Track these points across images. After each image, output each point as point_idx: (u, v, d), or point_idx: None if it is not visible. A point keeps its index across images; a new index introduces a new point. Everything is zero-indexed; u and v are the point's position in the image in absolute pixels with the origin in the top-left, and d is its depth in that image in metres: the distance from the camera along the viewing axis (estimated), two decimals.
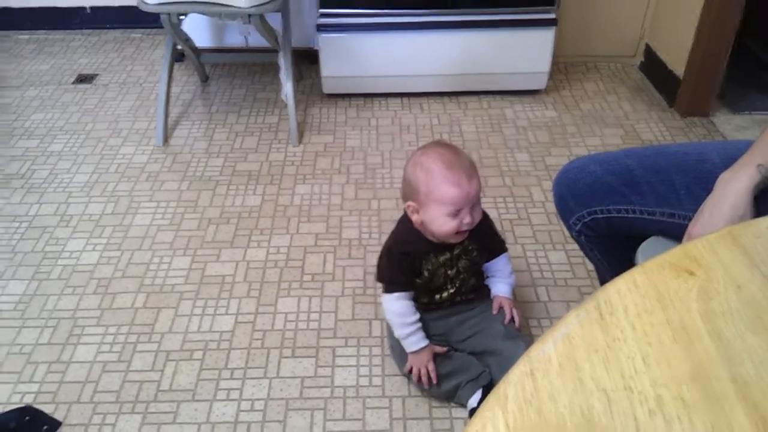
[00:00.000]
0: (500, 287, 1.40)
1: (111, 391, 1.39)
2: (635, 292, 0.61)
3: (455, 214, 1.20)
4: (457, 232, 1.22)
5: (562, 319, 0.58)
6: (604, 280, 1.36)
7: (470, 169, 1.21)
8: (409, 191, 1.25)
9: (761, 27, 2.44)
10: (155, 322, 1.54)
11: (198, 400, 1.37)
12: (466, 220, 1.21)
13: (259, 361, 1.45)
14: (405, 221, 1.30)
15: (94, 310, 1.58)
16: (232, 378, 1.41)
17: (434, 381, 1.32)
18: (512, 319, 1.36)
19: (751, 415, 0.50)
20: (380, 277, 1.35)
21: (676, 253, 0.65)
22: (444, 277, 1.32)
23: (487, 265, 1.40)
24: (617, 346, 0.55)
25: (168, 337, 1.51)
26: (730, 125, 2.26)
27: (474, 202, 1.22)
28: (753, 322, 0.58)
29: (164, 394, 1.38)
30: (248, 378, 1.41)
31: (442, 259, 1.30)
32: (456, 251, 1.30)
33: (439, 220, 1.21)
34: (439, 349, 1.34)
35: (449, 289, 1.34)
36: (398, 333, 1.32)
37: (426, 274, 1.30)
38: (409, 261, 1.29)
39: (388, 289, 1.31)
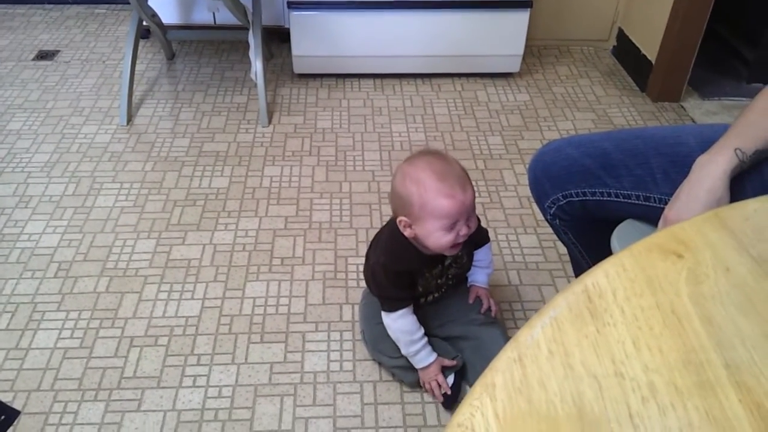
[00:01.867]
0: (478, 276, 1.38)
1: (72, 378, 1.34)
2: (623, 275, 0.58)
3: (451, 227, 1.12)
4: (453, 245, 1.15)
5: (549, 302, 0.55)
6: (577, 263, 1.35)
7: (463, 178, 1.13)
8: (400, 205, 1.16)
9: (731, 13, 2.45)
10: (118, 307, 1.49)
11: (163, 387, 1.32)
12: (463, 231, 1.14)
13: (226, 347, 1.41)
14: (396, 236, 1.21)
15: (55, 294, 1.52)
16: (198, 364, 1.37)
17: (448, 392, 1.28)
18: (489, 308, 1.35)
19: (745, 401, 0.48)
20: (380, 295, 1.27)
21: (664, 235, 0.63)
22: (434, 285, 1.30)
23: None
24: (607, 330, 0.53)
25: (132, 322, 1.46)
26: (699, 110, 2.28)
27: (470, 212, 1.14)
28: (743, 306, 0.56)
29: (128, 381, 1.34)
30: (215, 364, 1.37)
31: (434, 272, 1.26)
32: (447, 262, 1.27)
33: (435, 235, 1.13)
34: (447, 362, 1.29)
35: (435, 293, 1.32)
36: (406, 350, 1.26)
37: (420, 289, 1.27)
38: (406, 277, 1.23)
39: (392, 307, 1.24)
